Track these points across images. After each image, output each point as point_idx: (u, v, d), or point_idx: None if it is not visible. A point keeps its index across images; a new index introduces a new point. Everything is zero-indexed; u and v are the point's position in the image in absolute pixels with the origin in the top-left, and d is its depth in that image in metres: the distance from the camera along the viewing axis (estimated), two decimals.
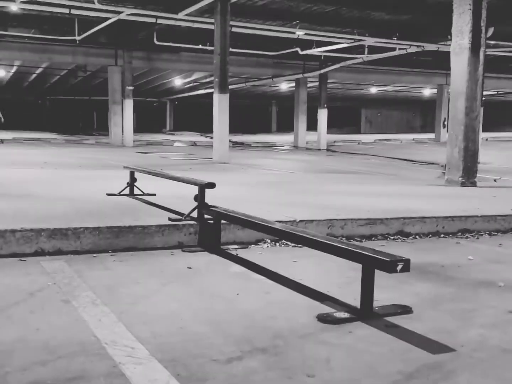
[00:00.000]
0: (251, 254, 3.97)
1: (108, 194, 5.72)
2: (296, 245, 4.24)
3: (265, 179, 8.97)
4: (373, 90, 35.23)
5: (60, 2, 14.83)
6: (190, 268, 3.52)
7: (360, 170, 13.65)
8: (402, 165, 16.38)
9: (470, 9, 8.48)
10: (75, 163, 12.61)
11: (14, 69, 26.19)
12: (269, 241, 4.31)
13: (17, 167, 10.18)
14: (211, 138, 31.70)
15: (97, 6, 14.64)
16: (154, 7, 16.24)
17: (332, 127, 30.26)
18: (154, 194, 5.75)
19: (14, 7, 15.80)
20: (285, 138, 32.64)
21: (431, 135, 35.22)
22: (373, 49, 22.01)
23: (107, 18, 17.17)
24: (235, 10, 14.75)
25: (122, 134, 23.00)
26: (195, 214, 4.25)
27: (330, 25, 19.04)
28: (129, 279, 3.23)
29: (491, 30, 17.26)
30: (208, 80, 30.71)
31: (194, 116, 39.62)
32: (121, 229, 3.94)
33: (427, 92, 35.85)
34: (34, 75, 28.11)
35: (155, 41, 20.55)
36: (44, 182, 6.98)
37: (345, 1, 16.96)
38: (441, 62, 27.47)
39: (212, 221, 4.13)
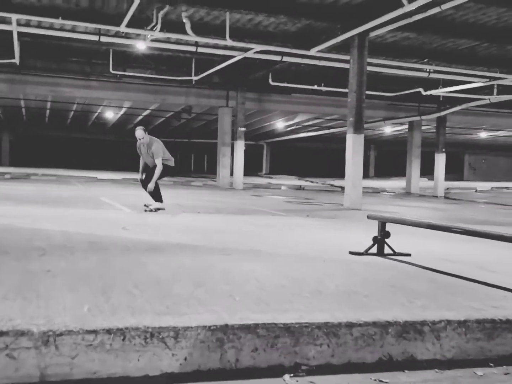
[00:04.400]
0: None
1: (351, 253, 4.38)
2: None
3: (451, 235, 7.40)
4: (483, 134, 32.99)
5: (189, 39, 14.14)
6: None
7: None
8: None
9: None
10: (209, 206, 11.61)
11: (122, 111, 26.15)
12: None
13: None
14: (311, 182, 30.62)
15: (229, 42, 13.82)
16: (281, 44, 15.35)
17: (432, 172, 28.44)
18: (409, 255, 4.35)
19: (142, 46, 15.33)
20: (388, 184, 30.94)
21: None
22: (501, 90, 20.29)
23: (231, 57, 16.48)
24: None
25: (231, 177, 22.16)
26: None
27: (462, 63, 17.51)
28: None
29: None
30: (311, 123, 29.74)
31: (291, 159, 38.65)
32: (495, 324, 2.52)
33: None
34: (139, 117, 28.05)
35: (270, 81, 19.76)
36: (234, 232, 5.77)
37: (484, 37, 15.42)
38: None
39: None
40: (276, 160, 38.81)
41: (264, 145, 38.06)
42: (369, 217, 4.59)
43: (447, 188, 27.12)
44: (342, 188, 25.38)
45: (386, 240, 4.38)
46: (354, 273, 3.54)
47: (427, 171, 28.02)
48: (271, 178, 32.22)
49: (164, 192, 9.34)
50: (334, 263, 3.93)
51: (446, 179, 25.60)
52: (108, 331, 2.08)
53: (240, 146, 21.59)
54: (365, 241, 4.61)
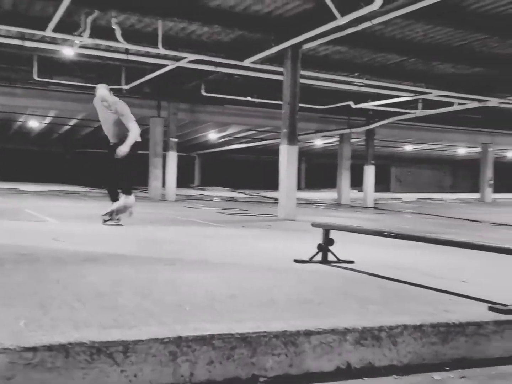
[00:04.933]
0: None
1: (296, 261, 4.31)
2: None
3: (390, 243, 7.51)
4: (408, 148, 34.21)
5: (119, 46, 13.81)
6: None
7: (445, 231, 12.14)
8: (480, 227, 14.90)
9: None
10: (143, 217, 11.22)
11: (47, 120, 25.18)
12: None
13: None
14: (244, 193, 30.61)
15: (161, 51, 13.60)
16: (214, 54, 15.26)
17: (362, 184, 29.36)
18: (353, 262, 4.34)
19: (69, 52, 14.82)
20: (319, 195, 31.44)
21: (468, 195, 34.03)
22: (426, 105, 21.10)
23: (163, 66, 16.24)
24: None
25: (163, 188, 21.80)
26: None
27: (391, 77, 18.06)
28: None
29: None
30: (243, 134, 29.81)
31: (223, 171, 38.55)
32: (449, 328, 2.49)
33: (462, 151, 34.84)
34: (66, 127, 27.12)
35: (202, 92, 19.64)
36: (173, 242, 5.57)
37: (411, 52, 15.94)
38: (487, 120, 26.56)
39: None
40: (209, 171, 38.62)
41: (196, 157, 37.80)
42: (313, 225, 4.55)
43: (376, 199, 27.84)
44: (275, 199, 25.54)
45: (330, 247, 4.34)
46: (304, 281, 3.46)
47: (357, 182, 28.70)
48: (203, 190, 31.99)
49: (93, 204, 8.71)
50: (281, 272, 3.84)
51: (375, 190, 26.29)
52: (49, 348, 1.88)
53: (172, 157, 21.31)
54: (306, 249, 4.57)
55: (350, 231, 4.30)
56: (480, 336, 2.56)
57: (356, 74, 17.69)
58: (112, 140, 7.10)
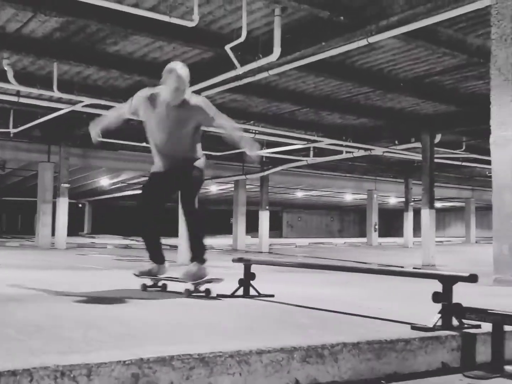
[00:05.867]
0: None
1: (218, 295, 4.40)
2: None
3: (299, 280, 7.80)
4: (300, 194, 35.54)
5: (10, 87, 13.36)
6: None
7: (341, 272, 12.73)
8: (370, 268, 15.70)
9: None
10: (38, 265, 10.78)
11: None
12: None
13: None
14: (137, 241, 29.98)
15: (56, 94, 13.34)
16: (112, 99, 15.18)
17: (255, 230, 30.01)
18: (273, 295, 4.48)
19: None
20: (214, 241, 31.52)
21: (356, 239, 35.80)
22: (318, 153, 22.19)
23: (57, 109, 15.83)
24: None
25: (52, 236, 20.83)
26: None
27: (284, 126, 18.89)
28: None
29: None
30: (136, 181, 29.45)
31: (114, 219, 37.58)
32: (382, 345, 2.69)
33: (350, 197, 36.78)
34: None
35: None
36: (84, 283, 5.42)
37: (303, 102, 16.83)
38: (372, 168, 28.40)
39: (474, 329, 3.01)
40: (100, 219, 37.52)
41: (86, 204, 36.69)
42: (233, 260, 4.68)
43: (270, 244, 28.48)
44: (169, 245, 25.24)
45: (252, 282, 4.48)
46: (238, 313, 3.53)
47: (251, 229, 29.22)
48: (94, 238, 30.98)
49: None
50: (211, 305, 3.90)
51: (268, 236, 26.89)
52: (13, 373, 1.82)
53: (63, 204, 20.52)
54: (219, 286, 4.62)
55: (273, 265, 4.46)
56: (408, 352, 2.79)
57: (252, 122, 18.33)
58: (170, 160, 4.44)
